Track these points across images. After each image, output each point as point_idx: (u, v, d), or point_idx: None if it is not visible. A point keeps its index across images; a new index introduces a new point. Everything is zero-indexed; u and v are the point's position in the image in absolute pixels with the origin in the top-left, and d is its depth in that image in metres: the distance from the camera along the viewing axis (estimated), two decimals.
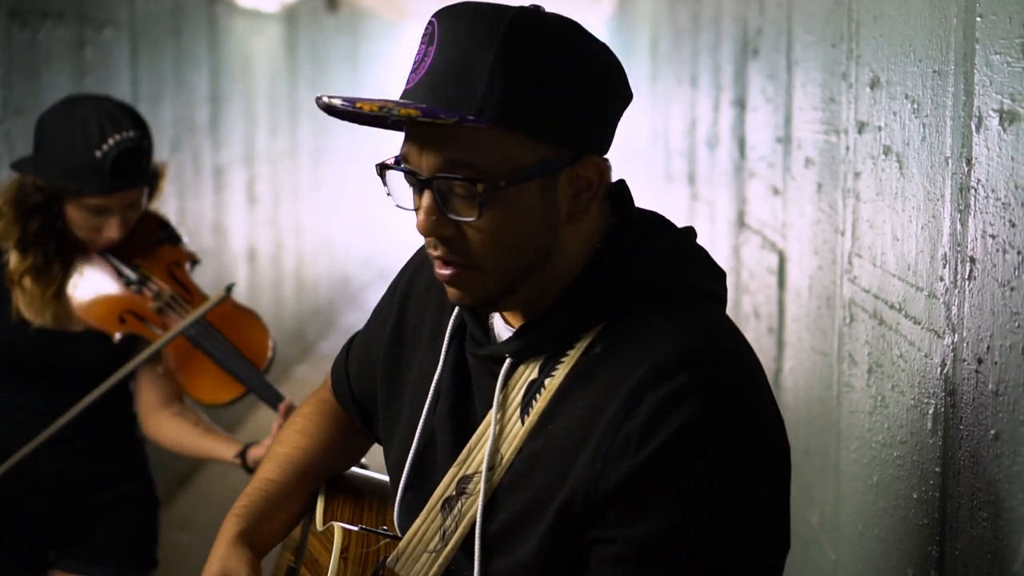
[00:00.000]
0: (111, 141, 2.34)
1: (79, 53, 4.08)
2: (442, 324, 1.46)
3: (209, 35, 5.76)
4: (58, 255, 2.45)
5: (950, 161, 1.51)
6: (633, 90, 1.33)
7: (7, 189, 2.45)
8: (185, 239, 2.68)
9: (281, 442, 1.65)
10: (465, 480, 1.35)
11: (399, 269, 1.58)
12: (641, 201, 1.36)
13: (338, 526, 1.50)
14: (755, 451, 1.24)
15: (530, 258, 1.27)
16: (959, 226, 1.47)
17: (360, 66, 10.47)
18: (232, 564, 1.49)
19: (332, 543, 1.49)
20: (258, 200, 6.72)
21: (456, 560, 1.36)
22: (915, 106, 1.66)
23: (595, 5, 10.98)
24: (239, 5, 6.32)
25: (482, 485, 1.32)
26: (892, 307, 1.78)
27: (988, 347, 1.36)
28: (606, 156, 1.32)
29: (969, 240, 1.43)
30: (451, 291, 1.31)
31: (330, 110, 1.27)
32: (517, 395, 1.32)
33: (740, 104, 3.50)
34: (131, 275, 2.53)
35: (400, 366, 1.51)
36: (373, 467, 1.74)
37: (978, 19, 1.41)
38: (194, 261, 2.66)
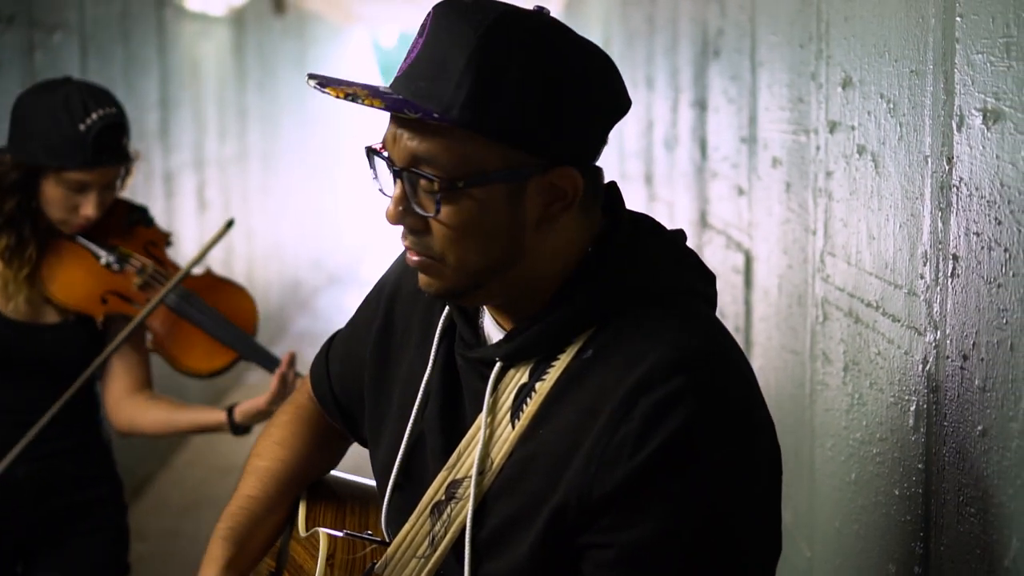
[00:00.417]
0: (95, 115, 2.37)
1: (29, 57, 4.03)
2: (431, 324, 1.45)
3: (158, 39, 5.71)
4: (33, 236, 2.44)
5: (929, 160, 1.52)
6: None
7: None
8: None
9: (260, 455, 1.63)
10: (455, 485, 1.34)
11: (374, 271, 1.58)
12: None
13: (323, 532, 1.48)
14: (748, 453, 1.25)
15: (493, 259, 1.27)
16: (940, 224, 1.49)
17: (307, 69, 10.41)
18: None
19: (317, 549, 1.48)
20: (208, 205, 6.67)
21: (445, 565, 1.35)
22: (891, 106, 1.67)
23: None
24: (187, 9, 6.27)
25: (472, 490, 1.31)
26: (869, 305, 1.79)
27: (974, 344, 1.37)
28: (596, 165, 1.31)
29: (951, 238, 1.45)
30: (420, 278, 1.32)
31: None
32: (507, 399, 1.32)
33: (700, 105, 3.52)
34: (109, 256, 2.54)
35: (388, 366, 1.50)
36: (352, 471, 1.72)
37: (958, 19, 1.42)
38: (168, 242, 2.66)
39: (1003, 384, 1.29)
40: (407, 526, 1.38)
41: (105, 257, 2.54)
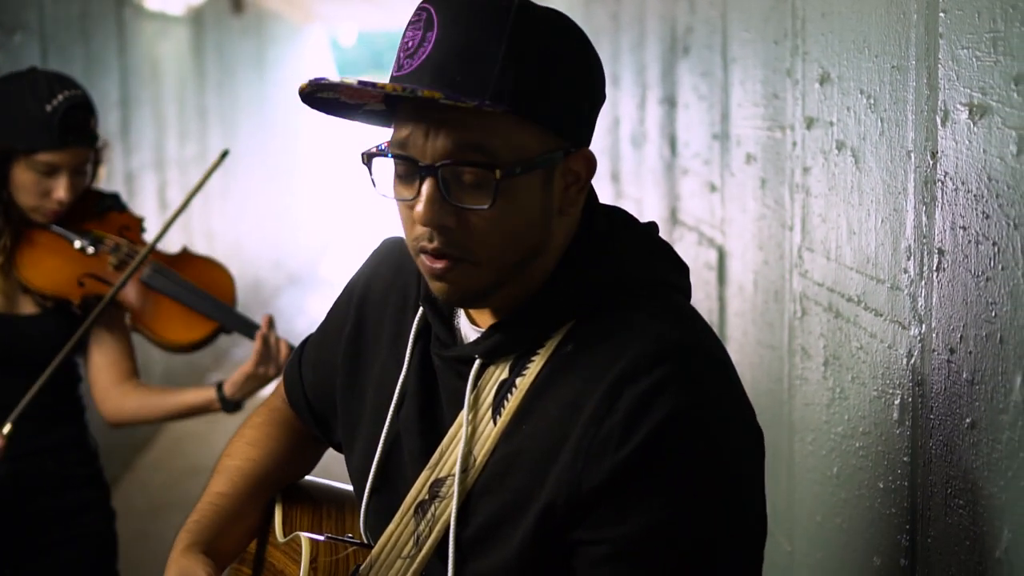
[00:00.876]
0: (60, 97, 2.39)
1: None
2: (404, 326, 1.44)
3: (118, 39, 5.66)
4: (6, 226, 2.45)
5: (912, 155, 1.53)
6: None
7: None
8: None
9: (231, 455, 1.61)
10: (438, 483, 1.34)
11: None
12: None
13: (305, 536, 1.47)
14: (733, 440, 1.25)
15: (525, 251, 1.26)
16: (924, 218, 1.50)
17: (266, 69, 10.37)
18: (188, 567, 1.44)
19: (298, 554, 1.46)
20: (169, 206, 6.63)
21: (431, 565, 1.34)
22: (871, 101, 1.68)
23: None
24: (146, 8, 6.22)
25: (455, 488, 1.30)
26: (850, 300, 1.80)
27: (961, 337, 1.38)
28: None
29: (936, 232, 1.46)
30: (438, 285, 1.27)
31: (309, 99, 1.25)
32: (488, 396, 1.31)
33: (670, 102, 3.53)
34: (83, 240, 2.55)
35: (360, 369, 1.49)
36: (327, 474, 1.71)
37: (941, 14, 1.43)
38: (143, 228, 2.66)
39: (992, 377, 1.30)
40: (391, 527, 1.37)
41: (79, 241, 2.54)
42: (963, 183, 1.37)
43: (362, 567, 1.41)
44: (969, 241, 1.35)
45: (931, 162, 1.47)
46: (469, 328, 1.36)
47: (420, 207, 1.22)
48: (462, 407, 1.32)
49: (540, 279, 1.30)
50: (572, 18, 1.30)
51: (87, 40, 5.13)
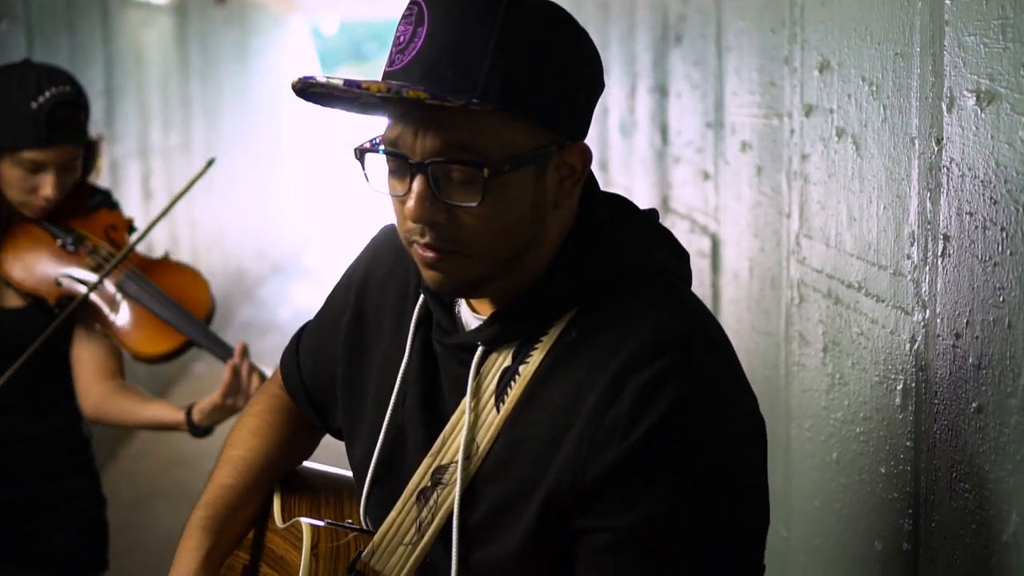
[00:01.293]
0: (47, 93, 2.35)
1: None
2: (405, 314, 1.43)
3: (103, 28, 5.64)
4: None
5: (916, 141, 1.54)
6: None
7: None
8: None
9: (234, 444, 1.61)
10: (440, 470, 1.34)
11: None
12: None
13: (305, 522, 1.47)
14: (737, 427, 1.26)
15: (518, 245, 1.26)
16: (929, 204, 1.50)
17: (249, 59, 10.33)
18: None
19: (298, 540, 1.46)
20: (153, 195, 6.60)
21: (434, 552, 1.34)
22: (873, 88, 1.69)
23: None
24: None
25: (458, 474, 1.30)
26: (850, 286, 1.81)
27: (967, 322, 1.39)
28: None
29: (941, 218, 1.46)
30: (431, 274, 1.27)
31: (303, 94, 1.25)
32: (491, 383, 1.31)
33: (661, 91, 3.53)
34: (66, 237, 2.52)
35: (361, 359, 1.48)
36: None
37: (947, 2, 1.44)
38: (132, 228, 2.62)
39: (1000, 361, 1.31)
40: (393, 513, 1.37)
41: (62, 239, 2.51)
42: (970, 169, 1.38)
43: (364, 553, 1.41)
44: (976, 227, 1.36)
45: (936, 148, 1.47)
46: (470, 316, 1.36)
47: (411, 204, 1.22)
48: (464, 395, 1.32)
49: (536, 271, 1.30)
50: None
51: (73, 29, 5.10)
